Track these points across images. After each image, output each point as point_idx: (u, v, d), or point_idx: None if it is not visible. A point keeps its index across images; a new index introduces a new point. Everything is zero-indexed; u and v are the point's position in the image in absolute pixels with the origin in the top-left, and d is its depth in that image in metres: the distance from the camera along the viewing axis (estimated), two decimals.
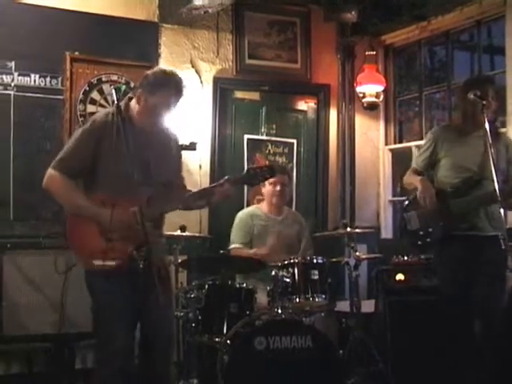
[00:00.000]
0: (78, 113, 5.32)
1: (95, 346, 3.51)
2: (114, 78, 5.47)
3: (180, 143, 3.77)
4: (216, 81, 5.91)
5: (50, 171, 3.42)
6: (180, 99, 3.47)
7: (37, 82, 5.25)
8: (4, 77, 5.14)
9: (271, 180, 4.99)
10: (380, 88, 6.20)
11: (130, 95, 3.57)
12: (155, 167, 3.43)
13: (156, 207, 3.40)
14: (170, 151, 3.58)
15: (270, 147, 6.16)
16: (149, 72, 3.51)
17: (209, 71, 5.90)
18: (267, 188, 5.06)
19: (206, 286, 4.30)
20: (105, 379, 3.35)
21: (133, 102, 3.50)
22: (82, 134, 3.47)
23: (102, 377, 3.36)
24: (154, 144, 3.48)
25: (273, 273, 4.32)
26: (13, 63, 5.17)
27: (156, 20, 5.68)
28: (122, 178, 3.27)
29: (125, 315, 3.33)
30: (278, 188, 5.02)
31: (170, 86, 3.42)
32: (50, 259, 4.65)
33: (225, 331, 4.13)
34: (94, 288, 3.42)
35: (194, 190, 3.62)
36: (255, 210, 5.15)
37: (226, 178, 3.50)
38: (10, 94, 5.16)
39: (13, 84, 5.17)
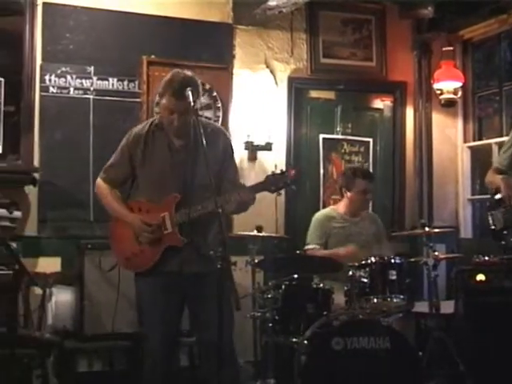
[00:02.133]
0: (155, 115, 5.39)
1: None
2: None
3: (231, 144, 3.71)
4: (291, 81, 5.91)
5: (97, 179, 3.69)
6: (183, 103, 3.37)
7: (115, 86, 5.36)
8: (84, 81, 5.28)
9: (361, 187, 4.92)
10: (458, 84, 6.06)
11: None
12: (188, 172, 3.44)
13: (185, 212, 3.40)
14: (211, 154, 3.35)
15: (345, 146, 6.11)
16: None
17: (283, 71, 5.90)
18: (354, 194, 4.96)
19: (283, 287, 4.29)
20: (145, 375, 3.53)
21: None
22: (120, 146, 3.65)
23: (144, 372, 3.54)
24: (186, 148, 3.48)
25: (350, 273, 4.28)
26: (92, 68, 5.30)
27: (230, 21, 5.72)
28: (154, 186, 3.46)
29: (156, 315, 3.48)
30: (368, 196, 4.99)
31: (169, 89, 3.41)
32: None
33: (302, 331, 4.12)
34: (136, 289, 3.62)
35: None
36: (331, 212, 5.10)
37: (242, 185, 3.51)
38: (89, 98, 5.29)
39: (92, 88, 5.30)
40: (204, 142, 3.19)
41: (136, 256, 3.51)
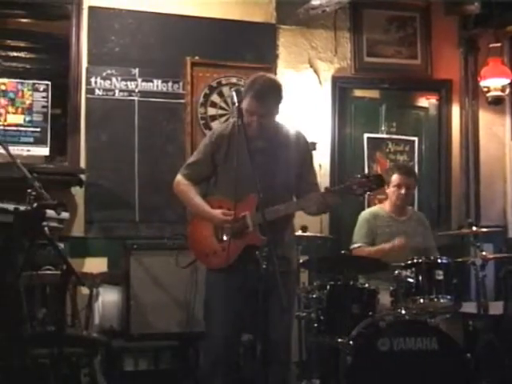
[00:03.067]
0: (199, 116, 5.44)
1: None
2: (234, 80, 5.55)
3: (309, 147, 3.82)
4: (335, 80, 5.88)
5: (177, 176, 3.73)
6: (263, 106, 3.45)
7: (159, 88, 5.41)
8: (128, 83, 5.34)
9: (396, 182, 4.92)
10: (506, 81, 5.96)
11: None
12: (267, 173, 3.45)
13: (266, 212, 3.42)
14: (289, 156, 3.56)
15: (390, 145, 6.06)
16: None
17: (327, 70, 5.88)
18: (391, 189, 4.96)
19: (328, 287, 4.27)
20: (204, 370, 3.57)
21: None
22: (202, 144, 3.73)
23: (202, 367, 3.62)
24: (266, 149, 3.52)
25: (396, 273, 4.25)
26: (136, 70, 5.36)
27: (273, 22, 5.73)
28: (235, 185, 3.42)
29: (226, 311, 3.50)
30: (403, 191, 4.93)
31: (250, 91, 3.43)
32: (174, 259, 4.77)
33: (347, 332, 4.09)
34: (206, 283, 3.69)
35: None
36: (378, 210, 5.07)
37: (327, 188, 3.50)
38: (134, 100, 5.35)
39: (137, 90, 5.36)
40: (285, 143, 3.34)
41: (215, 253, 3.57)
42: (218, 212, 3.55)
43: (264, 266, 3.04)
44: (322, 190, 3.64)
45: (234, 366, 3.70)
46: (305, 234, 4.61)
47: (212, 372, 3.50)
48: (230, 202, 3.49)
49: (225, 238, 3.55)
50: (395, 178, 4.96)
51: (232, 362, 3.61)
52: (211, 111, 5.49)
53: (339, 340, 4.10)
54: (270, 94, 3.47)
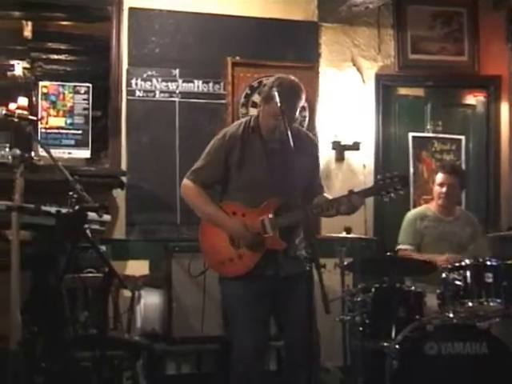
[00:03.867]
0: (240, 116, 5.42)
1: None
2: None
3: (318, 148, 3.78)
4: (378, 78, 5.83)
5: (184, 180, 3.65)
6: (291, 108, 3.41)
7: (200, 88, 5.43)
8: (169, 84, 5.37)
9: (438, 180, 4.87)
10: None
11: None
12: (284, 176, 3.42)
13: (284, 217, 3.42)
14: (303, 158, 3.47)
15: (436, 144, 5.98)
16: (266, 81, 3.60)
17: (370, 68, 5.83)
18: (435, 188, 4.93)
19: (373, 289, 4.23)
20: (235, 380, 3.49)
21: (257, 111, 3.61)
22: (213, 146, 3.62)
23: (233, 378, 3.50)
24: (282, 152, 3.44)
25: (443, 275, 4.18)
26: (177, 71, 5.39)
27: (315, 19, 5.70)
28: (250, 189, 3.44)
29: (250, 320, 3.44)
30: (444, 190, 4.87)
31: (279, 95, 3.36)
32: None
33: (393, 336, 4.05)
34: (223, 293, 3.61)
35: (330, 197, 3.60)
36: (425, 210, 5.01)
37: (351, 190, 3.45)
38: (174, 101, 5.38)
39: (177, 91, 5.38)
40: (298, 145, 3.25)
41: (232, 261, 3.50)
42: (238, 224, 3.45)
43: (308, 268, 2.99)
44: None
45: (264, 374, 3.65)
46: (349, 235, 4.57)
47: (244, 379, 3.46)
48: (245, 207, 3.47)
49: (242, 244, 3.48)
50: (437, 176, 4.94)
51: (262, 369, 3.57)
52: (252, 111, 5.46)
53: (385, 344, 4.06)
54: (297, 96, 3.43)
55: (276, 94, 3.34)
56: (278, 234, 3.45)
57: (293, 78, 3.56)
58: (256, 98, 5.49)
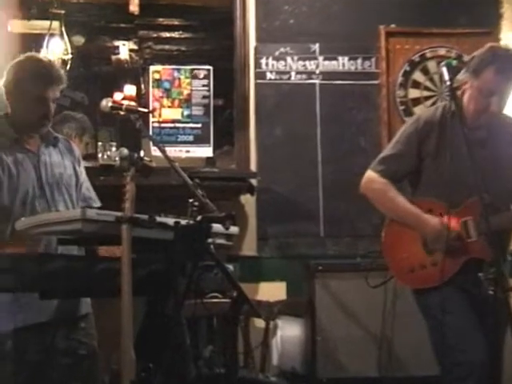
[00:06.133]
0: (398, 100, 5.40)
1: (442, 373, 3.59)
2: (442, 52, 5.47)
3: None
4: None
5: (369, 173, 3.72)
6: (508, 84, 3.44)
7: (346, 66, 5.44)
8: (307, 63, 5.40)
9: None
10: None
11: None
12: (490, 171, 3.41)
13: (491, 220, 3.34)
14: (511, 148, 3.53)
15: None
16: (476, 52, 3.54)
17: None
18: None
19: None
20: None
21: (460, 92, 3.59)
22: (403, 134, 3.71)
23: None
24: (488, 142, 3.50)
25: None
26: (316, 46, 5.42)
27: None
28: (448, 184, 3.39)
29: (469, 328, 3.46)
30: None
31: (497, 63, 3.39)
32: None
33: None
34: (428, 307, 3.59)
35: None
36: None
37: None
38: (314, 84, 5.41)
39: (317, 71, 5.41)
40: (504, 134, 3.36)
41: (424, 268, 3.56)
42: (438, 224, 3.50)
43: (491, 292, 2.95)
44: None
45: None
46: None
47: None
48: (442, 205, 3.47)
49: (439, 249, 3.48)
50: None
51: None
52: (413, 93, 5.43)
53: None
54: None
55: (444, 69, 3.32)
56: (490, 241, 3.42)
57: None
58: (418, 76, 5.44)
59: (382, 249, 3.72)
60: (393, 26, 5.44)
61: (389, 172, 3.68)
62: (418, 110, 5.27)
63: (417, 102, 5.44)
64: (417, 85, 5.45)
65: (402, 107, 5.42)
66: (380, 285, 4.05)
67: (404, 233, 3.62)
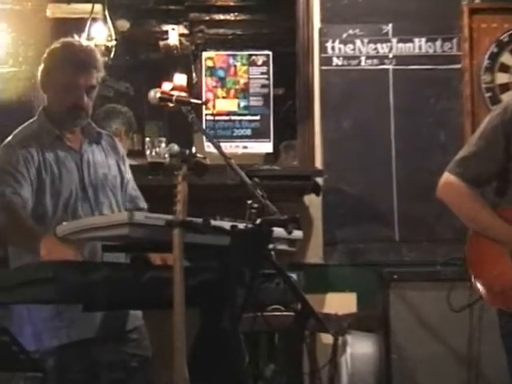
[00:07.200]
0: (483, 86, 5.35)
1: None
2: None
3: None
4: None
5: (447, 175, 3.56)
6: None
7: (422, 49, 5.41)
8: (379, 46, 5.38)
9: None
10: None
11: None
12: None
13: None
14: None
15: None
16: None
17: None
18: None
19: None
20: None
21: None
22: (488, 126, 3.54)
23: None
24: None
25: None
26: (389, 26, 5.40)
27: None
28: None
29: None
30: None
31: None
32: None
33: None
34: (509, 335, 3.50)
35: None
36: None
37: None
38: (387, 70, 5.39)
39: (391, 55, 5.39)
40: None
41: None
42: None
43: None
44: None
45: None
46: None
47: None
48: None
49: None
50: None
51: None
52: (502, 78, 5.37)
53: None
54: None
55: None
56: None
57: None
58: (507, 58, 5.37)
59: (467, 265, 3.55)
60: (477, 1, 5.40)
61: (470, 175, 3.50)
62: (507, 97, 5.20)
63: (505, 88, 5.37)
64: (505, 68, 5.40)
65: (487, 94, 5.36)
66: (466, 307, 3.97)
67: (491, 247, 3.47)
